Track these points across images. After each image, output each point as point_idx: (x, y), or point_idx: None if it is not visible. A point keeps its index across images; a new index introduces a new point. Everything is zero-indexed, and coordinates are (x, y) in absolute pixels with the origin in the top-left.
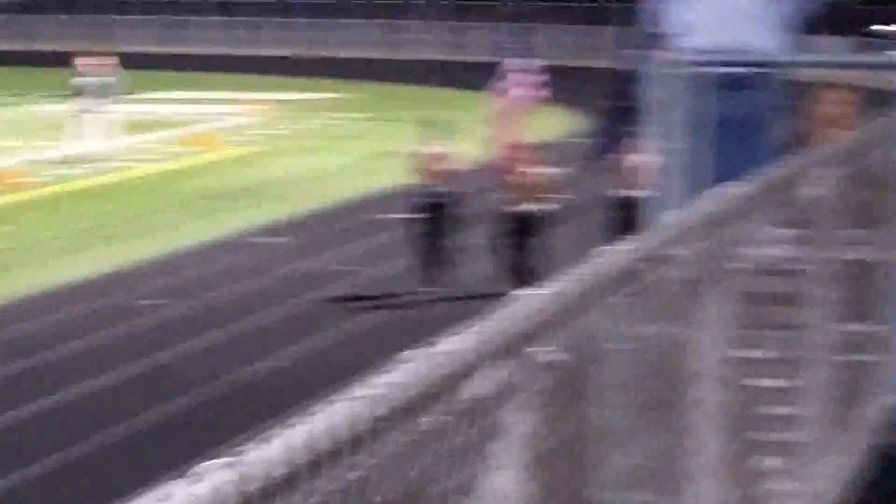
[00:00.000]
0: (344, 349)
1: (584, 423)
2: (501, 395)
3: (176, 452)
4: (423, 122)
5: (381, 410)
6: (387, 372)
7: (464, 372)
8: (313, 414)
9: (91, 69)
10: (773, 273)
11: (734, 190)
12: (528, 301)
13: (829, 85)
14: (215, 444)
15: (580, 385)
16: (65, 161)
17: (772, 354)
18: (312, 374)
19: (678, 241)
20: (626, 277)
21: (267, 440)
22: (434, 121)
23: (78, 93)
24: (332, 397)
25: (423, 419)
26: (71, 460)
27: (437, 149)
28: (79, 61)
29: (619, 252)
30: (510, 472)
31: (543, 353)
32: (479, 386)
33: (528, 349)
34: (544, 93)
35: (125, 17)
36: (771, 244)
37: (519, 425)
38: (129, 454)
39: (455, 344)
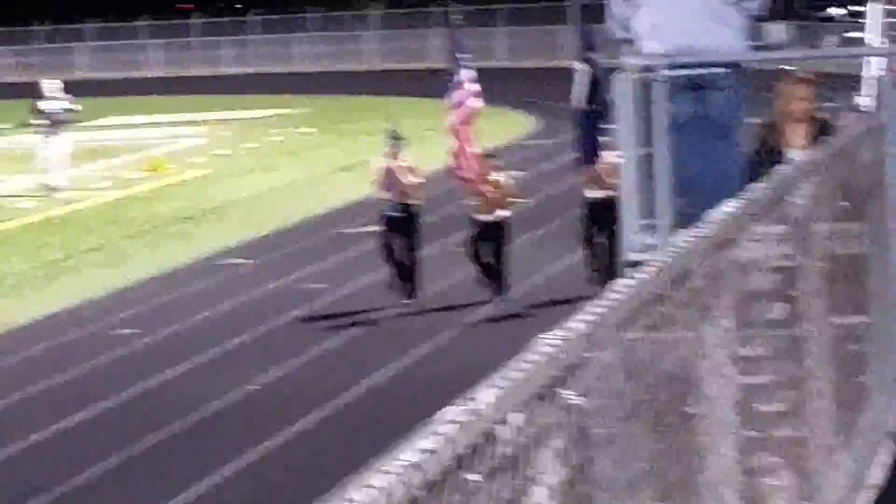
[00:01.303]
0: (320, 369)
1: (604, 464)
2: (536, 442)
3: (161, 484)
4: (385, 133)
5: (433, 472)
6: (432, 431)
7: (500, 421)
8: (362, 486)
9: (56, 94)
10: (768, 271)
11: (728, 209)
12: (551, 344)
13: (788, 74)
14: (200, 473)
15: (597, 424)
16: (39, 190)
17: (772, 351)
18: (291, 397)
19: (682, 268)
20: (640, 309)
21: None
22: (394, 132)
23: (45, 119)
24: (379, 463)
25: (472, 476)
26: (58, 497)
27: (398, 161)
28: (45, 85)
29: (631, 286)
30: None
31: (568, 396)
32: (515, 434)
33: (556, 394)
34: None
35: (74, 43)
36: (765, 244)
37: (553, 472)
38: (115, 489)
39: (489, 394)
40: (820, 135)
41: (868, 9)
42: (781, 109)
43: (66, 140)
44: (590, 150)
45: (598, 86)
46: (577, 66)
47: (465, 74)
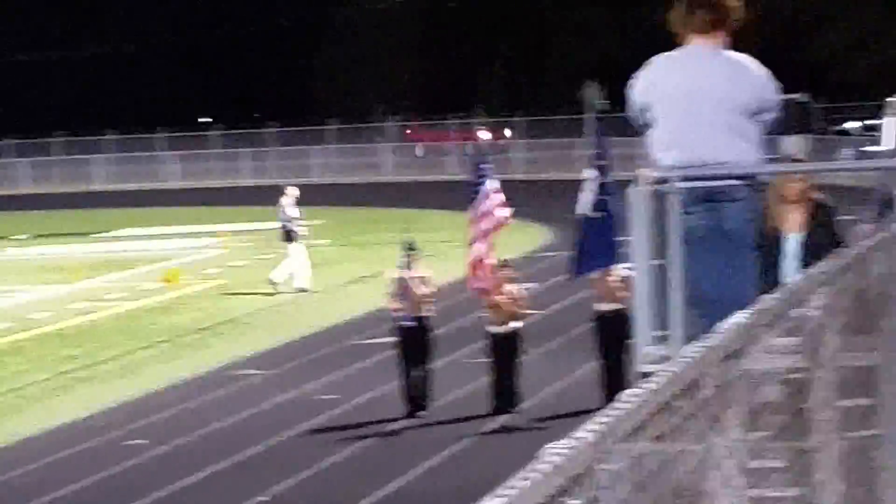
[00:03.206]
0: (332, 481)
1: None
2: None
3: None
4: (400, 244)
5: None
6: None
7: None
8: None
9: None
10: (779, 382)
11: (739, 319)
12: (557, 453)
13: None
14: None
15: None
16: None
17: (782, 464)
18: None
19: (691, 378)
20: (648, 419)
21: None
22: (408, 243)
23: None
24: None
25: None
26: None
27: (412, 272)
28: (290, 191)
29: (639, 396)
30: None
31: None
32: None
33: None
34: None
35: (95, 155)
36: (776, 355)
37: None
38: None
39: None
40: (816, 216)
41: (884, 122)
42: (777, 193)
43: (297, 249)
44: (592, 257)
45: (606, 193)
46: (587, 173)
47: (491, 185)
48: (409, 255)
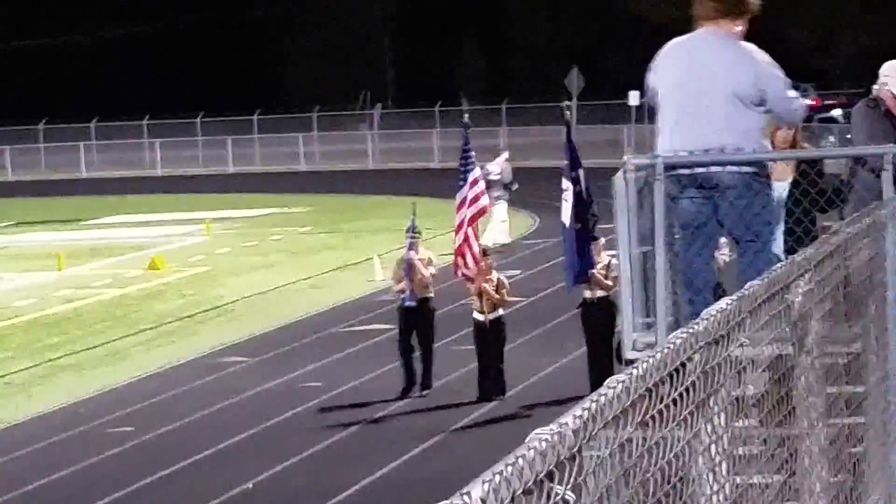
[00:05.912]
0: (318, 468)
1: None
2: None
3: None
4: (405, 228)
5: None
6: None
7: None
8: None
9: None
10: (764, 368)
11: (724, 305)
12: (543, 439)
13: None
14: None
15: None
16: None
17: (767, 450)
18: (288, 496)
19: (676, 364)
20: (634, 405)
21: None
22: (414, 226)
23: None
24: None
25: None
26: None
27: (416, 254)
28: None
29: (624, 382)
30: None
31: (559, 492)
32: None
33: (547, 490)
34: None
35: (80, 142)
36: (761, 341)
37: None
38: None
39: (480, 489)
40: (802, 165)
41: None
42: (767, 141)
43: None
44: (579, 267)
45: (583, 203)
46: (565, 184)
47: (476, 173)
48: (413, 238)
